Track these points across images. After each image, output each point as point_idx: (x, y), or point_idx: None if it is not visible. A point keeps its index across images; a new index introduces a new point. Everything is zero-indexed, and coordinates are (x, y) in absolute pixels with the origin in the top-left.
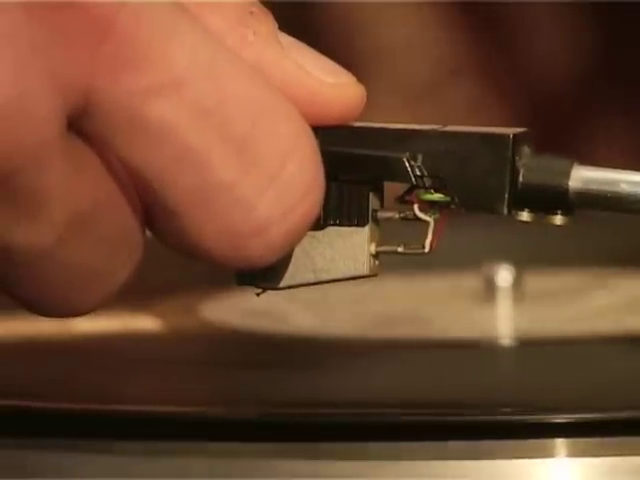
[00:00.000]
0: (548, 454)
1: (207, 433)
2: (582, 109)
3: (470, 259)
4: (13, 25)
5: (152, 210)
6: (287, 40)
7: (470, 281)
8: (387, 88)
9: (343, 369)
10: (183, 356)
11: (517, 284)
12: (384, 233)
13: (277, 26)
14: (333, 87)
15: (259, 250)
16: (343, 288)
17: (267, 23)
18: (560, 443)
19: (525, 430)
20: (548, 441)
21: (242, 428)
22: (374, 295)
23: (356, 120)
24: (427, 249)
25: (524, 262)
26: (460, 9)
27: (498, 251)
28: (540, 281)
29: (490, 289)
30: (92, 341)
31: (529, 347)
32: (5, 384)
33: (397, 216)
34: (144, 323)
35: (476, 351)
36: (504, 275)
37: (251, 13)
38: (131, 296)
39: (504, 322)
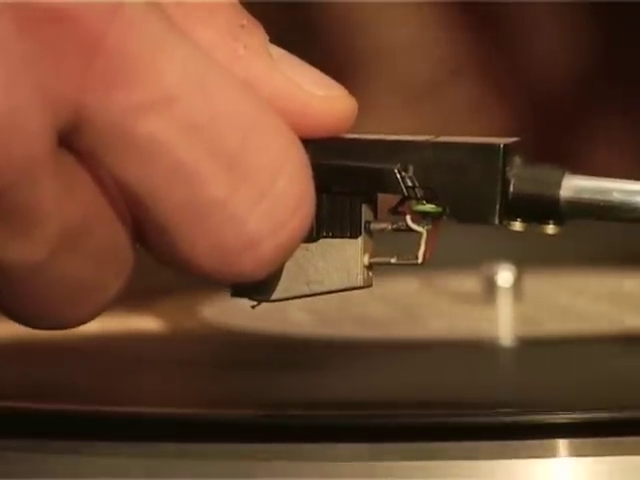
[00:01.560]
0: (548, 454)
1: (206, 434)
2: (582, 109)
3: (470, 259)
4: (4, 39)
5: (143, 225)
6: (278, 52)
7: (470, 281)
8: (387, 88)
9: (343, 370)
10: (183, 356)
11: (517, 284)
12: (378, 244)
13: (268, 38)
14: (324, 100)
15: (251, 265)
16: None
17: (258, 36)
18: (560, 443)
19: (525, 430)
20: (548, 441)
21: (241, 429)
22: (374, 295)
23: (355, 122)
24: (420, 260)
25: (524, 262)
26: (460, 9)
27: (498, 251)
28: (540, 281)
29: (490, 289)
30: (92, 341)
31: (529, 347)
32: (4, 384)
33: (390, 227)
34: (144, 323)
35: (476, 351)
36: (504, 275)
37: (242, 26)
38: (131, 296)
39: (504, 322)
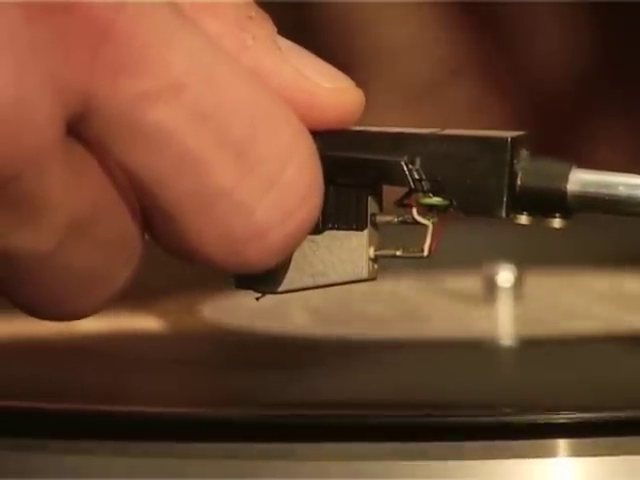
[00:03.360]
0: (548, 454)
1: (206, 433)
2: (583, 109)
3: (471, 259)
4: (13, 28)
5: (151, 214)
6: (286, 44)
7: (471, 281)
8: (387, 88)
9: (343, 369)
10: (183, 356)
11: (518, 284)
12: (383, 236)
13: (276, 30)
14: (331, 91)
15: (258, 255)
16: (343, 288)
17: (266, 27)
18: (560, 443)
19: (525, 430)
20: (548, 441)
21: (241, 428)
22: (374, 295)
23: (356, 121)
24: (426, 253)
25: (525, 262)
26: (460, 9)
27: (499, 251)
28: (540, 281)
29: (491, 289)
30: (92, 341)
31: (529, 347)
32: (5, 384)
33: (396, 220)
34: (144, 323)
35: (476, 351)
36: (505, 275)
37: (250, 17)
38: (131, 296)
39: (504, 322)
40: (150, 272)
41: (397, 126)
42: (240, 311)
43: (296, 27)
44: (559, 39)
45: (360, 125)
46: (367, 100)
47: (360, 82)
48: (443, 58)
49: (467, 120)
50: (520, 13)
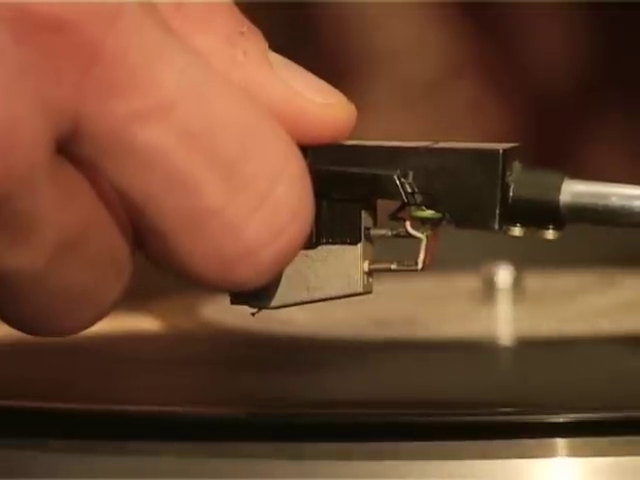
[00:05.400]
0: (548, 454)
1: (205, 433)
2: (582, 110)
3: (470, 260)
4: (1, 48)
5: (142, 233)
6: (277, 60)
7: (470, 282)
8: (387, 88)
9: (342, 370)
10: (183, 356)
11: (517, 285)
12: (378, 249)
13: (267, 45)
14: (322, 107)
15: (249, 273)
16: None
17: (257, 43)
18: (560, 443)
19: (525, 430)
20: (548, 441)
21: (241, 428)
22: (373, 296)
23: (356, 122)
24: (420, 266)
25: (524, 263)
26: (461, 9)
27: (498, 252)
28: (540, 281)
29: (490, 290)
30: (92, 341)
31: (529, 347)
32: (5, 384)
33: (390, 233)
34: (144, 323)
35: (476, 351)
36: (504, 276)
37: (241, 33)
38: (131, 296)
39: (504, 322)
40: (149, 272)
41: (397, 126)
42: (239, 311)
43: (295, 27)
44: (559, 39)
45: (358, 127)
46: (367, 100)
47: (360, 82)
48: (443, 58)
49: (467, 121)
50: (520, 13)
